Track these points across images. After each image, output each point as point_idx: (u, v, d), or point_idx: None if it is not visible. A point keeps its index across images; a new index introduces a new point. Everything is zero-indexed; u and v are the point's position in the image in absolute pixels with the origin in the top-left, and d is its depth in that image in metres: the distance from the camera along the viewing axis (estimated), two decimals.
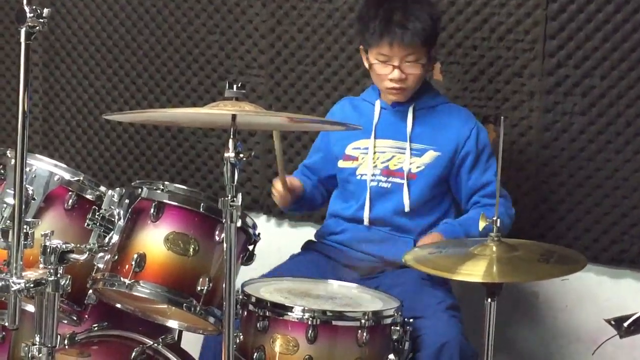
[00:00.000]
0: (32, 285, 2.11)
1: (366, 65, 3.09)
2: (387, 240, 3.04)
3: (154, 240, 2.50)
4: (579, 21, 3.16)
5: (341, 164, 3.12)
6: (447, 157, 3.03)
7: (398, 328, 2.64)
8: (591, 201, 3.22)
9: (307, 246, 3.20)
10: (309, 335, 2.54)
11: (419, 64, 2.98)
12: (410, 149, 3.03)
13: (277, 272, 3.03)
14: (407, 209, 3.02)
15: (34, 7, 2.04)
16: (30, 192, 2.29)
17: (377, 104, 3.11)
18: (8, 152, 2.59)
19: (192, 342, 2.91)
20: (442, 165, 3.03)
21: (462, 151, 3.04)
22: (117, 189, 2.57)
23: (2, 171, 2.61)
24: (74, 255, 2.20)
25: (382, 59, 2.98)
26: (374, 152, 3.06)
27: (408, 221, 3.05)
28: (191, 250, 2.50)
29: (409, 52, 2.95)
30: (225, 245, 2.27)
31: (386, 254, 3.02)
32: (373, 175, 3.05)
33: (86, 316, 2.66)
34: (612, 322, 2.46)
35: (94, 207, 2.56)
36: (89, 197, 2.60)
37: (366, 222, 3.06)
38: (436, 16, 3.04)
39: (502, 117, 2.54)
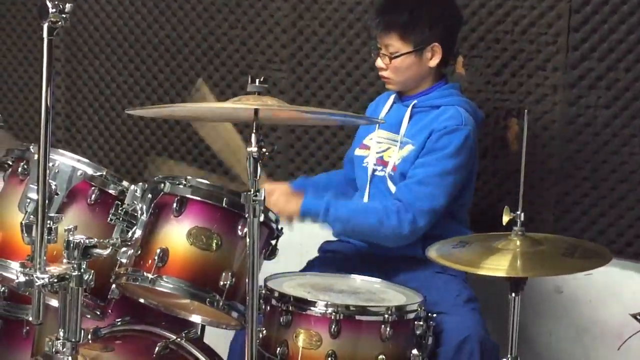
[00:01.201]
0: (55, 280, 2.12)
1: None
2: None
3: (177, 235, 2.50)
4: (603, 13, 3.14)
5: (357, 152, 3.19)
6: (417, 151, 3.01)
7: (421, 323, 2.63)
8: (616, 195, 3.20)
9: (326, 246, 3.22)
10: (332, 330, 2.54)
11: (398, 57, 3.00)
12: (400, 142, 3.04)
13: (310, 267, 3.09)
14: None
15: (56, 2, 2.04)
16: (54, 187, 2.30)
17: (392, 98, 3.16)
18: (31, 147, 2.60)
19: (215, 337, 2.91)
20: (413, 158, 3.01)
21: (427, 142, 2.99)
22: (140, 183, 2.57)
23: (25, 166, 2.61)
24: (97, 250, 2.21)
25: (377, 46, 3.06)
26: (377, 142, 3.11)
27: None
28: (214, 245, 2.50)
29: (386, 42, 3.02)
30: (248, 240, 2.27)
31: (406, 250, 3.01)
32: (373, 164, 3.10)
33: (109, 311, 2.67)
34: (638, 317, 2.45)
35: (116, 202, 2.56)
36: (111, 192, 2.60)
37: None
38: (434, 16, 3.01)
39: (525, 111, 2.52)
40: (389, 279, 2.92)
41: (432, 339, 2.67)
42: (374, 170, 3.09)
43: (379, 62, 3.05)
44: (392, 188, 3.03)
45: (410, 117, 3.05)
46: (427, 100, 3.06)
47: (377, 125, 3.11)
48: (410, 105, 3.06)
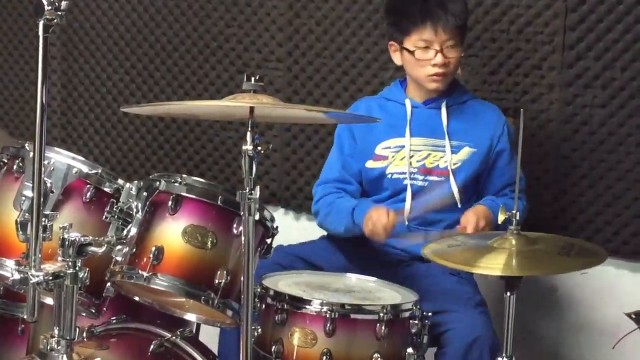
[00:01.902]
0: (50, 278, 2.11)
1: (397, 61, 3.06)
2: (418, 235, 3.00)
3: (172, 233, 2.50)
4: (599, 13, 3.14)
5: (370, 164, 3.06)
6: (483, 153, 3.02)
7: (417, 322, 2.62)
8: (612, 194, 3.20)
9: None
10: (327, 328, 2.54)
11: (459, 48, 2.97)
12: (451, 147, 3.00)
13: (308, 248, 3.07)
14: (459, 204, 2.99)
15: (52, 0, 2.03)
16: (49, 185, 2.29)
17: (408, 102, 3.06)
18: (26, 145, 2.60)
19: (210, 335, 2.91)
20: (478, 161, 3.02)
21: (497, 147, 3.04)
22: (135, 181, 2.56)
23: (20, 164, 2.61)
24: (92, 248, 2.20)
25: (423, 44, 2.95)
26: (415, 151, 3.02)
27: (440, 216, 3.02)
28: (209, 243, 2.50)
29: (450, 35, 2.93)
30: (243, 238, 2.27)
31: (412, 248, 2.99)
32: (410, 174, 3.01)
33: (104, 309, 2.66)
34: (633, 316, 2.45)
35: (112, 200, 2.56)
36: (107, 190, 2.59)
37: (406, 220, 3.00)
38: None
39: (521, 110, 2.52)
40: (401, 277, 2.91)
41: (428, 338, 2.67)
42: (416, 181, 3.02)
43: (440, 59, 2.93)
44: (456, 190, 2.99)
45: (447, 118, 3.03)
46: (457, 97, 3.06)
47: (409, 133, 3.01)
48: (444, 106, 3.02)
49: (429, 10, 2.93)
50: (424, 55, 2.95)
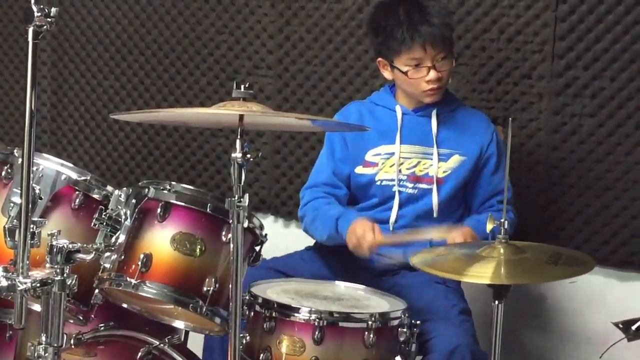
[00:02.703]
0: (38, 284, 2.10)
1: (387, 76, 3.04)
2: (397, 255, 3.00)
3: (161, 241, 2.49)
4: (589, 22, 3.15)
5: (359, 170, 3.06)
6: (472, 161, 3.02)
7: (405, 330, 2.63)
8: (600, 203, 3.21)
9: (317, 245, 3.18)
10: (315, 336, 2.54)
11: (451, 59, 2.97)
12: (439, 155, 3.01)
13: (290, 260, 3.05)
14: (435, 214, 3.00)
15: (41, 6, 2.03)
16: (37, 191, 2.28)
17: (398, 109, 3.06)
18: (15, 151, 2.59)
19: (198, 343, 2.90)
20: (467, 169, 3.02)
21: (485, 154, 3.04)
22: (124, 188, 2.56)
23: (9, 170, 2.60)
24: (80, 255, 2.19)
25: (415, 62, 2.93)
26: (404, 158, 3.02)
27: (429, 224, 3.00)
28: (198, 250, 2.49)
29: (440, 48, 2.93)
30: (232, 245, 2.27)
31: (405, 257, 2.99)
32: (399, 181, 3.01)
33: (92, 316, 2.66)
34: (620, 325, 2.45)
35: (100, 206, 2.55)
36: (95, 196, 2.59)
37: (391, 226, 3.01)
38: (448, 7, 3.07)
39: (510, 119, 2.52)
40: (387, 286, 2.91)
41: (416, 346, 2.67)
42: (405, 188, 3.01)
43: (433, 75, 2.93)
44: (436, 203, 2.99)
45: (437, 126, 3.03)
46: (447, 104, 3.06)
47: (399, 140, 3.01)
48: (435, 114, 3.02)
49: (415, 29, 2.91)
50: (416, 74, 2.94)
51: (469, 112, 3.12)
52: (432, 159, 3.01)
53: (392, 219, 3.01)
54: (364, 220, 2.88)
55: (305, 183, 3.16)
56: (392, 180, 3.02)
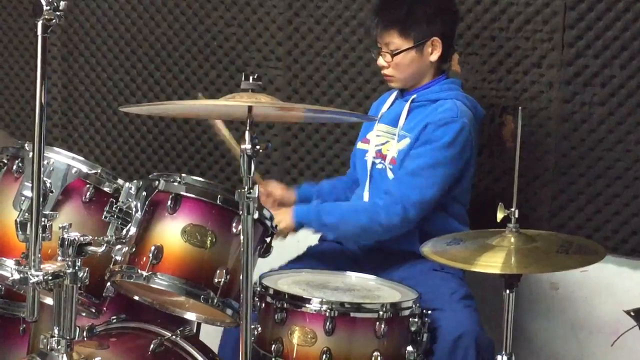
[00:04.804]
0: (50, 277, 2.11)
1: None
2: None
3: (171, 233, 2.50)
4: (598, 11, 3.14)
5: (359, 145, 3.22)
6: (414, 142, 3.03)
7: (416, 319, 2.63)
8: (611, 192, 3.20)
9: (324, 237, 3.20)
10: (327, 327, 2.54)
11: (399, 54, 3.03)
12: (398, 135, 3.05)
13: (296, 265, 3.04)
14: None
15: (50, 0, 2.04)
16: (48, 184, 2.29)
17: (394, 94, 3.18)
18: (26, 145, 2.60)
19: (210, 335, 2.91)
20: (408, 150, 3.04)
21: (421, 134, 3.01)
22: (135, 181, 2.57)
23: (20, 164, 2.61)
24: (91, 248, 2.20)
25: (378, 47, 3.09)
26: (376, 136, 3.13)
27: None
28: (208, 242, 2.50)
29: (386, 40, 3.04)
30: (242, 237, 2.27)
31: (401, 245, 3.01)
32: (373, 157, 3.12)
33: (104, 308, 2.67)
34: (632, 314, 2.45)
35: (111, 199, 2.56)
36: (106, 189, 2.59)
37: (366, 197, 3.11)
38: (431, 11, 3.04)
39: (520, 108, 2.52)
40: (386, 275, 2.92)
41: (428, 336, 2.68)
42: (374, 164, 3.11)
43: (381, 61, 3.07)
44: (390, 181, 3.05)
45: (409, 111, 3.07)
46: (427, 94, 3.08)
47: (378, 119, 3.14)
48: (410, 100, 3.07)
49: (373, 14, 3.10)
50: (377, 57, 3.10)
51: (443, 104, 3.04)
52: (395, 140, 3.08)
53: (366, 193, 3.10)
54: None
55: (317, 175, 3.25)
56: (369, 156, 3.14)
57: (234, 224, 2.51)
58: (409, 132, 3.05)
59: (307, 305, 2.58)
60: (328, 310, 2.55)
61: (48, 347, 2.17)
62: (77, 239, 2.17)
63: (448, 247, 2.56)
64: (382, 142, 3.11)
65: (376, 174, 3.11)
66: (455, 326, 2.73)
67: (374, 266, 2.99)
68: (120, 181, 2.62)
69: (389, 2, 3.06)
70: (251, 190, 2.25)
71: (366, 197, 3.10)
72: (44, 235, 2.12)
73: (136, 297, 2.66)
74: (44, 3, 2.03)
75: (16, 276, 2.10)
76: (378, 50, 3.08)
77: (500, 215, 2.47)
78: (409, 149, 3.02)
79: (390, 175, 3.06)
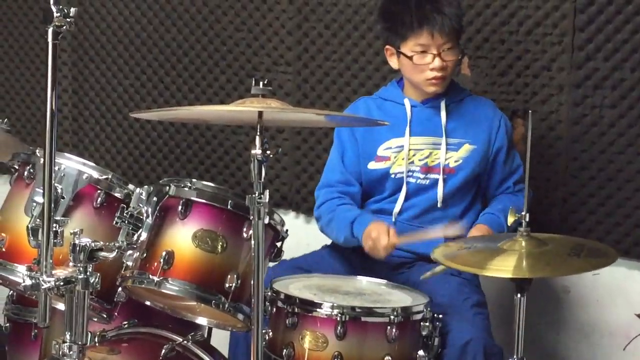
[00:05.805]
0: (62, 283, 2.13)
1: (393, 65, 3.08)
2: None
3: (182, 238, 2.51)
4: (608, 13, 3.13)
5: (372, 165, 3.08)
6: (482, 149, 3.04)
7: (427, 324, 2.63)
8: (622, 195, 3.20)
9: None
10: (338, 331, 2.54)
11: (457, 51, 3.00)
12: (447, 144, 3.02)
13: (309, 258, 3.05)
14: (439, 204, 3.02)
15: (61, 6, 2.05)
16: (60, 190, 2.30)
17: (407, 102, 3.08)
18: (37, 151, 2.61)
19: (222, 339, 2.92)
20: (477, 157, 3.04)
21: (495, 143, 3.06)
22: (145, 186, 2.57)
23: (31, 170, 2.62)
24: (103, 253, 2.21)
25: (420, 49, 2.96)
26: (409, 150, 3.03)
27: (439, 214, 3.03)
28: (219, 247, 2.50)
29: (447, 38, 2.95)
30: (253, 242, 2.27)
31: (417, 247, 3.00)
32: (410, 172, 3.03)
33: (116, 314, 2.67)
34: None
35: (122, 205, 2.57)
36: (117, 195, 2.60)
37: (393, 217, 3.04)
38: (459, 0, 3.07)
39: (530, 112, 2.52)
40: (402, 279, 2.92)
41: (439, 340, 2.67)
42: (417, 179, 3.03)
43: (438, 63, 2.95)
44: (441, 193, 3.01)
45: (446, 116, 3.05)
46: (454, 97, 3.07)
47: (408, 132, 3.03)
48: (443, 105, 3.04)
49: (424, 15, 2.94)
50: (421, 60, 2.97)
51: (475, 101, 3.13)
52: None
53: (397, 209, 3.04)
54: (378, 223, 2.91)
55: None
56: (405, 172, 3.04)
57: (244, 229, 2.51)
58: (465, 137, 3.02)
59: (318, 309, 2.58)
60: (339, 315, 2.55)
61: (60, 353, 2.18)
62: (88, 244, 2.18)
63: (459, 252, 2.56)
64: (425, 155, 3.04)
65: (416, 189, 3.03)
66: (463, 332, 2.72)
67: (388, 271, 2.97)
68: (131, 186, 2.62)
69: (450, 2, 2.98)
70: (261, 195, 2.26)
71: (396, 211, 3.03)
72: (55, 241, 2.14)
73: (147, 302, 2.66)
74: (54, 10, 2.04)
75: (28, 282, 2.11)
76: (437, 52, 2.94)
77: (511, 219, 2.47)
78: (479, 155, 3.02)
79: (440, 185, 3.00)
